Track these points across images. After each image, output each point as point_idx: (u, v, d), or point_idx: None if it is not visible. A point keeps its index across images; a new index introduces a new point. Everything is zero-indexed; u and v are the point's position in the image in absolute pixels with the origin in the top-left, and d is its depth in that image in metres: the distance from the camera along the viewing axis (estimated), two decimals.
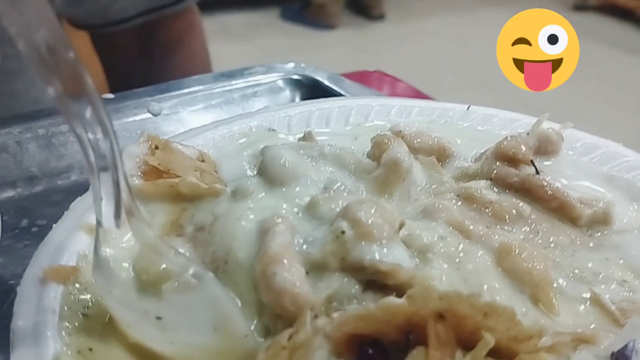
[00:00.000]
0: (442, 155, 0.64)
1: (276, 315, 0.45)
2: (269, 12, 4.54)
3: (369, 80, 1.07)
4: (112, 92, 0.88)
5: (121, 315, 0.43)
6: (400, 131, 0.64)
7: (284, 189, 0.55)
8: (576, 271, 0.51)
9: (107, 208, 0.42)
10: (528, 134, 0.63)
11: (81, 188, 0.72)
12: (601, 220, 0.56)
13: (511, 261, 0.49)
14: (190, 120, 0.83)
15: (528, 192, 0.58)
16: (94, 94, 0.38)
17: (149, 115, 0.83)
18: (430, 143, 0.64)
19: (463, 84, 3.32)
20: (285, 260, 0.46)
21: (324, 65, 0.98)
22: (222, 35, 4.05)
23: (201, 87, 0.88)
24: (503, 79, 0.63)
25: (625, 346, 0.41)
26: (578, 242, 0.55)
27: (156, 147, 0.59)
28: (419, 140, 0.64)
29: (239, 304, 0.47)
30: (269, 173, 0.56)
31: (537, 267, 0.48)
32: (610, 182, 0.62)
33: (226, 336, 0.44)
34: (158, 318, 0.43)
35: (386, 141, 0.61)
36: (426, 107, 0.73)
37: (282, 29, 4.39)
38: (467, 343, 0.40)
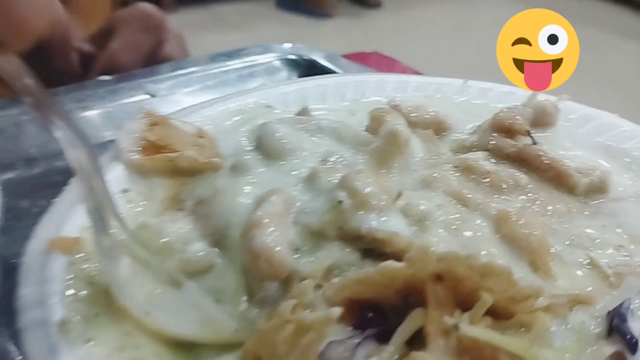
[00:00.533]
0: (439, 129, 0.65)
1: (260, 279, 0.46)
2: (264, 2, 4.52)
3: (367, 61, 1.07)
4: None
5: (121, 302, 0.44)
6: (398, 105, 0.64)
7: (282, 163, 0.56)
8: (573, 237, 0.51)
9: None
10: (524, 106, 0.63)
11: None
12: (597, 189, 0.57)
13: (509, 228, 0.49)
14: (186, 101, 0.83)
15: (525, 162, 0.58)
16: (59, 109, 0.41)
17: (146, 96, 0.83)
18: (427, 117, 0.64)
19: (461, 72, 3.32)
20: (265, 225, 0.46)
21: None
22: (218, 25, 4.03)
23: (197, 68, 0.89)
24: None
25: (621, 304, 0.41)
26: (575, 210, 0.55)
27: (154, 124, 0.60)
28: (416, 114, 0.64)
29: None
30: (265, 148, 0.57)
31: (535, 233, 0.49)
32: (606, 152, 0.62)
33: (214, 331, 0.44)
34: (147, 313, 0.43)
35: (384, 115, 0.61)
36: (422, 83, 0.73)
37: (278, 18, 4.37)
38: (465, 304, 0.41)
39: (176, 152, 0.57)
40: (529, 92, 0.68)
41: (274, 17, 4.39)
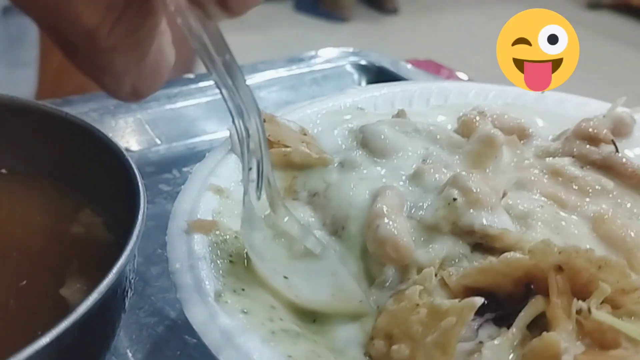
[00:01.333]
0: (521, 135, 0.69)
1: (381, 264, 0.51)
2: (282, 4, 4.57)
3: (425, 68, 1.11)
4: None
5: (259, 268, 0.48)
6: (484, 111, 0.69)
7: (386, 161, 0.60)
8: None
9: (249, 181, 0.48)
10: (604, 116, 0.68)
11: (169, 160, 0.78)
12: None
13: (606, 228, 0.54)
14: (270, 100, 0.87)
15: (609, 169, 0.62)
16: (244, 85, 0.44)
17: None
18: (510, 124, 0.69)
19: (479, 79, 3.36)
20: (388, 215, 0.51)
21: None
22: (236, 27, 4.06)
23: (273, 71, 0.93)
24: None
25: None
26: None
27: (264, 120, 0.64)
28: (500, 120, 0.68)
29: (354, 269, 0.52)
30: (371, 147, 0.61)
31: (631, 234, 0.53)
32: None
33: (343, 301, 0.49)
34: (285, 277, 0.48)
35: (475, 120, 0.66)
36: (502, 91, 0.77)
37: (295, 20, 4.42)
38: (580, 294, 0.45)
39: (288, 147, 0.61)
40: (603, 103, 0.73)
41: (292, 19, 4.44)
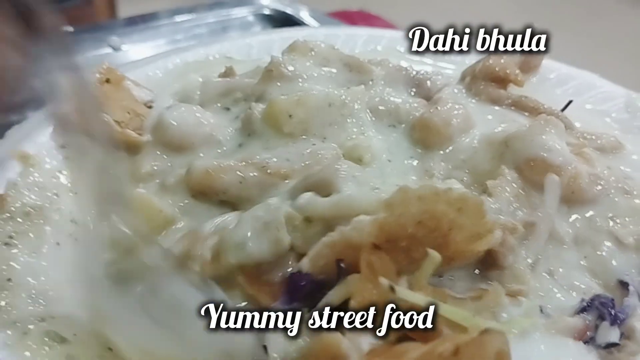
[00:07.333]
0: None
1: None
2: None
3: (352, 19, 1.02)
4: None
5: None
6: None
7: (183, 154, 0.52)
8: None
9: None
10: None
11: None
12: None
13: None
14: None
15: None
16: None
17: (108, 50, 0.79)
18: None
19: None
20: None
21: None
22: None
23: (166, 21, 0.84)
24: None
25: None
26: None
27: (107, 81, 0.56)
28: None
29: None
30: (160, 138, 0.53)
31: None
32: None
33: None
34: None
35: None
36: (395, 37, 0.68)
37: None
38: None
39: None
40: None
41: None
